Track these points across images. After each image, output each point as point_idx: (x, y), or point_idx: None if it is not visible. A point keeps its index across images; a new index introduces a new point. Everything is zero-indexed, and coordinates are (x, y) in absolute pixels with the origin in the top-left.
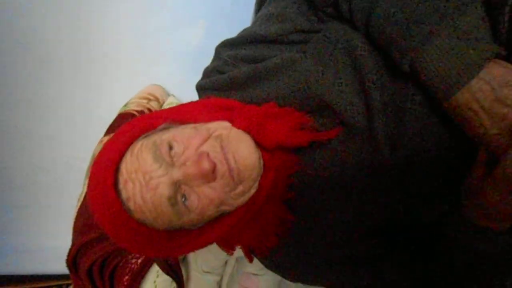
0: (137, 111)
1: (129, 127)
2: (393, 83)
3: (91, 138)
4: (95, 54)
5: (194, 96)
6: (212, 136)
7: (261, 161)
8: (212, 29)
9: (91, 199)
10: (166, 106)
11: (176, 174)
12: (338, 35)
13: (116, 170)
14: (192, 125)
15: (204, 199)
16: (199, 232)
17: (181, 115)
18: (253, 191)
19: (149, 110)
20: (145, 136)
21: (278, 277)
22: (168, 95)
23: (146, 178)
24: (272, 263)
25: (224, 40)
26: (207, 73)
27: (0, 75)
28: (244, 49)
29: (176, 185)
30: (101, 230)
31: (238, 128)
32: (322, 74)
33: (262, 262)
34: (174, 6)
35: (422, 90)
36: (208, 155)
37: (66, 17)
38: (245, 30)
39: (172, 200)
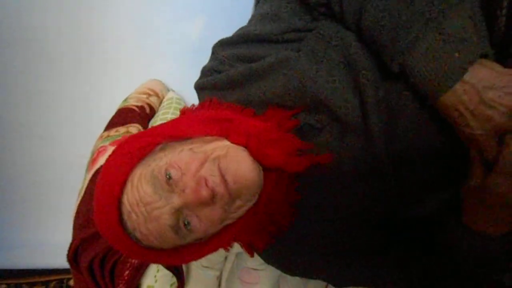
0: (136, 106)
1: (126, 150)
2: (386, 80)
3: (91, 134)
4: (95, 49)
5: (193, 92)
6: (210, 159)
7: (261, 177)
8: (211, 24)
9: (99, 226)
10: (165, 101)
11: (176, 201)
12: (332, 33)
13: (119, 203)
14: (189, 147)
15: (205, 221)
16: (205, 243)
17: (178, 131)
18: (250, 203)
19: (149, 105)
20: (143, 163)
21: (277, 272)
22: (168, 90)
23: (147, 209)
24: (271, 257)
25: (221, 39)
26: (205, 72)
27: (0, 73)
28: (240, 48)
29: (178, 212)
30: None
31: (236, 143)
32: (316, 72)
33: (261, 256)
34: (173, 2)
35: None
36: (206, 181)
37: (65, 14)
38: (241, 29)
39: (175, 228)
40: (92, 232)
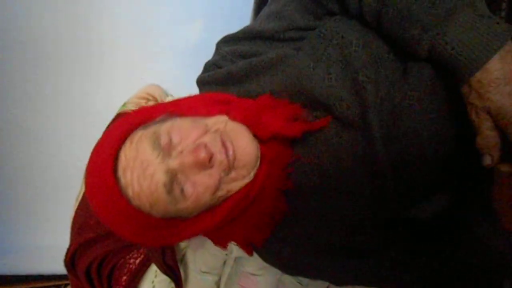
0: None
1: (128, 118)
2: (389, 79)
3: (88, 137)
4: (93, 52)
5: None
6: (211, 131)
7: (259, 152)
8: (210, 28)
9: (89, 186)
10: None
11: (172, 163)
12: (333, 32)
13: (116, 158)
14: (190, 118)
15: (199, 186)
16: (195, 219)
17: (180, 108)
18: (246, 180)
19: None
20: (144, 127)
21: (276, 277)
22: (167, 95)
23: (143, 165)
24: (270, 256)
25: (225, 36)
26: (207, 67)
27: None
28: (242, 45)
29: (172, 174)
30: (99, 228)
31: (235, 120)
32: (313, 69)
33: (260, 255)
34: (172, 4)
35: (420, 86)
36: (206, 145)
37: (64, 16)
38: (246, 27)
39: (168, 187)
40: (90, 237)
